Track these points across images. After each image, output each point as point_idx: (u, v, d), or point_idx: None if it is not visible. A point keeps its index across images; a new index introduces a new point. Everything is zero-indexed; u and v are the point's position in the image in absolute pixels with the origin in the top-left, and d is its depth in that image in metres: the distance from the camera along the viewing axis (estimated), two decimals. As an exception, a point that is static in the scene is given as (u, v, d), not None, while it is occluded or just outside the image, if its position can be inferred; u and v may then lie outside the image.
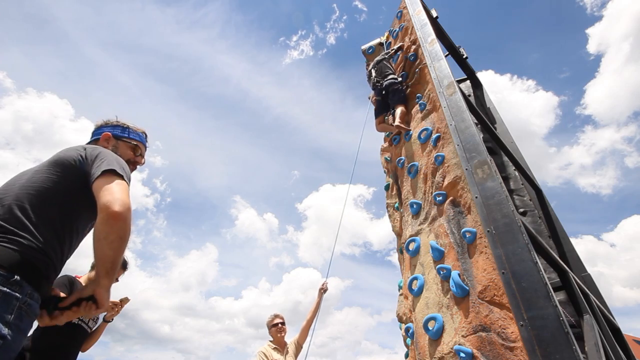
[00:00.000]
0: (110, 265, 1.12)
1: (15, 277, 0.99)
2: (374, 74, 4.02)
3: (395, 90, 3.71)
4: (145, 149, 1.73)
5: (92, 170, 1.24)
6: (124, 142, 1.62)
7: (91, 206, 1.20)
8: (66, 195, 1.23)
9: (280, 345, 3.30)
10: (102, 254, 1.10)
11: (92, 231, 1.16)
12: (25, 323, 1.01)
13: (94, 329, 2.52)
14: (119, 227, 1.10)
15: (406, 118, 3.50)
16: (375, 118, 3.98)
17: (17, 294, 0.98)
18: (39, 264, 1.08)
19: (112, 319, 2.59)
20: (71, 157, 1.28)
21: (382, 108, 3.90)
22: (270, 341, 3.36)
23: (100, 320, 2.58)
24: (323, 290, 3.62)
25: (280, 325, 3.35)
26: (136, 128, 1.70)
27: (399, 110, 3.52)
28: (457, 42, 4.71)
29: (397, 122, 3.40)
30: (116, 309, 2.54)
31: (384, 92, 3.82)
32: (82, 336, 2.39)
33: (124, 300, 2.58)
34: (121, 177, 1.22)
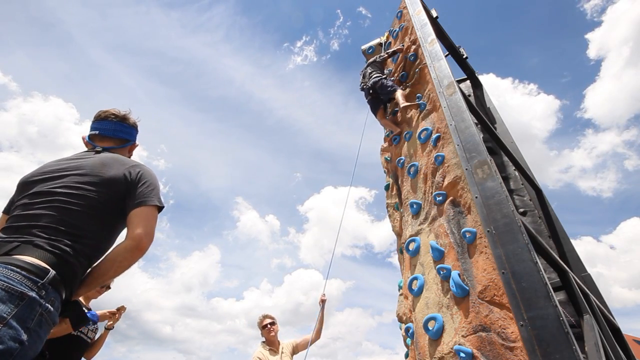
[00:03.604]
0: (102, 281, 1.19)
1: (43, 281, 0.98)
2: (361, 80, 4.12)
3: (382, 85, 3.75)
4: None
5: (137, 191, 1.26)
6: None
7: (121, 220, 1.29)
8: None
9: (273, 345, 3.30)
10: (106, 270, 1.17)
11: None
12: (44, 330, 0.99)
13: (95, 338, 2.53)
14: (137, 258, 1.19)
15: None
16: (375, 115, 4.01)
17: (41, 300, 0.96)
18: (74, 271, 1.09)
19: (113, 327, 2.63)
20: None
21: (376, 105, 3.95)
22: (263, 342, 3.35)
23: (101, 330, 2.61)
24: (322, 301, 3.56)
25: (269, 326, 3.33)
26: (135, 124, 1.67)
27: (398, 93, 3.54)
28: (457, 44, 4.71)
29: (403, 103, 3.39)
30: (116, 317, 2.59)
31: (371, 92, 3.90)
32: (82, 347, 2.39)
33: (121, 309, 2.63)
34: (160, 209, 1.29)
